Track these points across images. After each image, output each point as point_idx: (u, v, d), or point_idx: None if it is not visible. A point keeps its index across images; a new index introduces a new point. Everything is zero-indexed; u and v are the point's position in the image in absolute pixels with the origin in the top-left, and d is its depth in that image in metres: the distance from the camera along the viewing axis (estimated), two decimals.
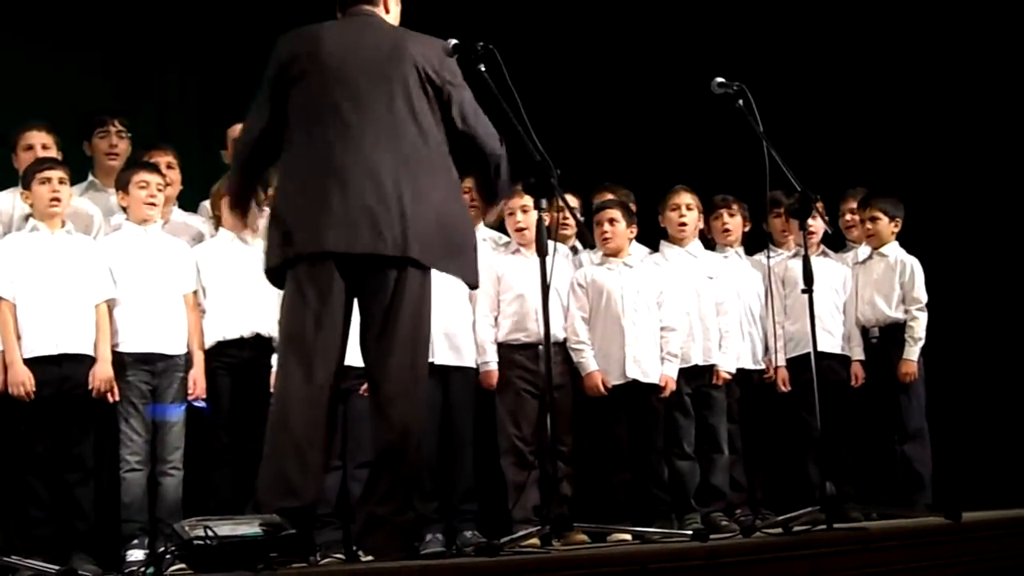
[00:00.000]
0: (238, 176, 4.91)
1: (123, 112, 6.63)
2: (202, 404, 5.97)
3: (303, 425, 4.48)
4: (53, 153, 6.08)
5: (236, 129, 6.60)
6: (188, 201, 6.67)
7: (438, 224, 4.67)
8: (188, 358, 5.95)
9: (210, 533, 3.97)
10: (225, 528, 4.05)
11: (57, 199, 5.78)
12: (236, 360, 5.99)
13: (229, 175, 5.23)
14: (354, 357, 4.83)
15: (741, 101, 5.40)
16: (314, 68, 4.62)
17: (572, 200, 6.32)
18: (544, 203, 4.68)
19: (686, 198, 6.84)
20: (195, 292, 6.03)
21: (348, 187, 4.52)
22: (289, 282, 4.60)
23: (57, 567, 3.64)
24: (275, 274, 4.67)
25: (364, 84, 4.62)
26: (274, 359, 5.85)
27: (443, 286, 6.25)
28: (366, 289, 4.62)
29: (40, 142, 6.14)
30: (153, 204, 5.98)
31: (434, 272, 6.24)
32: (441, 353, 6.11)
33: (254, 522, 4.15)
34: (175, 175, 6.47)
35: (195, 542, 3.98)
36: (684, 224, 6.81)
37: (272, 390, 4.70)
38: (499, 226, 6.73)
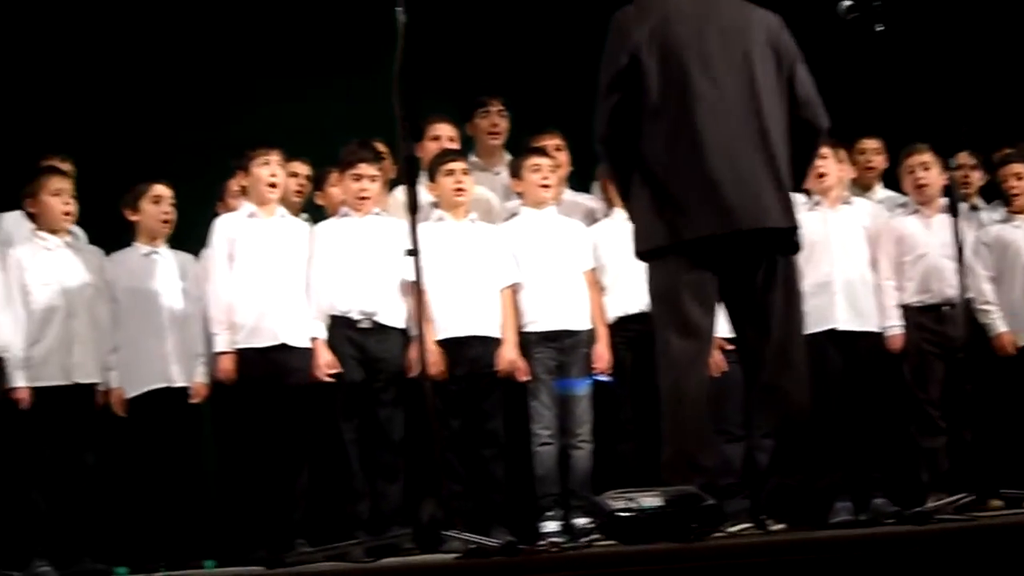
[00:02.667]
0: (608, 158, 4.80)
1: (503, 94, 6.80)
2: (607, 378, 6.11)
3: (698, 404, 4.46)
4: (457, 145, 6.34)
5: None
6: (578, 181, 6.81)
7: (792, 197, 4.57)
8: (591, 334, 6.10)
9: (634, 505, 4.04)
10: (647, 499, 4.11)
11: (461, 189, 6.04)
12: (637, 334, 6.08)
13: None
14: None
15: None
16: (668, 43, 4.47)
17: (969, 158, 6.16)
18: (953, 162, 4.55)
19: None
20: (594, 269, 6.16)
21: (725, 165, 4.40)
22: (668, 261, 4.50)
23: (497, 541, 3.77)
24: (653, 252, 4.58)
25: (722, 58, 4.48)
26: None
27: (847, 250, 6.18)
28: (740, 264, 4.50)
29: (447, 134, 6.42)
30: (547, 186, 6.16)
31: (835, 235, 6.17)
32: (844, 318, 6.07)
33: (668, 494, 4.19)
34: (564, 156, 6.60)
35: (618, 513, 4.05)
36: None
37: (662, 367, 4.61)
38: (895, 187, 6.57)
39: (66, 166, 6.27)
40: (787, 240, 4.52)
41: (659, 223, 4.46)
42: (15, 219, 6.16)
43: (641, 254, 4.58)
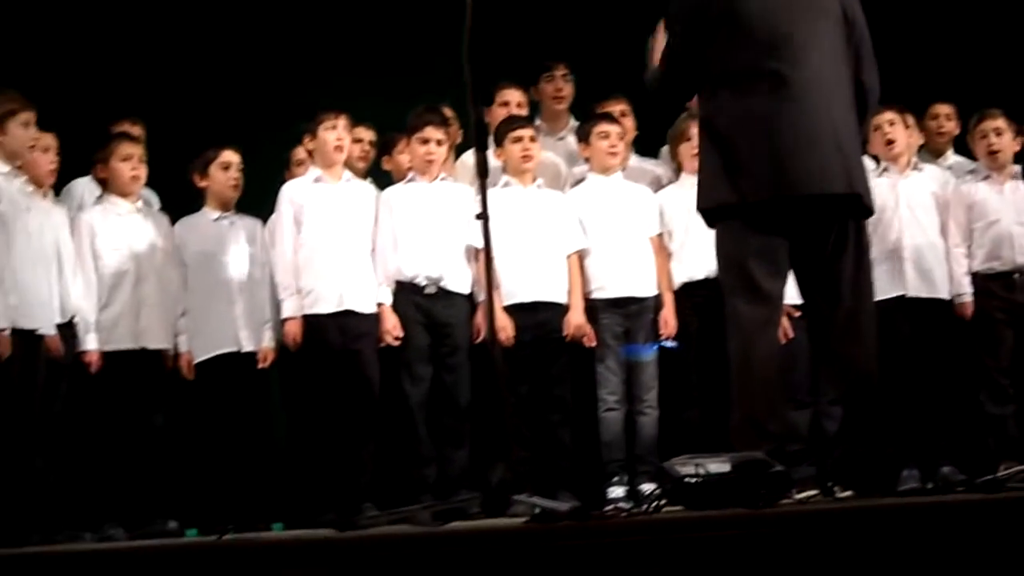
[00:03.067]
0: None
1: (567, 58, 6.77)
2: (672, 344, 6.10)
3: (767, 370, 4.43)
4: (525, 111, 6.34)
5: None
6: (645, 146, 6.78)
7: (859, 163, 4.52)
8: (657, 299, 6.11)
9: (702, 471, 4.03)
10: (714, 465, 4.10)
11: (528, 156, 6.06)
12: (703, 300, 6.07)
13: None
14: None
15: None
16: (737, 7, 4.41)
17: None
18: None
19: None
20: (660, 235, 6.16)
21: (789, 130, 4.35)
22: (735, 226, 4.47)
23: (565, 505, 3.78)
24: (711, 213, 4.56)
25: (790, 21, 4.42)
26: None
27: (916, 216, 6.13)
28: (808, 229, 4.45)
29: (515, 100, 6.43)
30: (615, 152, 6.15)
31: (904, 202, 6.09)
32: (913, 285, 6.03)
33: (736, 459, 4.18)
34: (630, 122, 6.58)
35: (686, 479, 4.05)
36: None
37: (731, 333, 4.57)
38: (967, 152, 6.50)
39: (136, 130, 6.32)
40: (856, 206, 4.47)
41: (723, 182, 4.44)
42: (85, 184, 6.23)
43: (704, 211, 4.56)
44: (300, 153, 6.31)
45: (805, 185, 4.35)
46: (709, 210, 4.54)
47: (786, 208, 4.38)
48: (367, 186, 6.24)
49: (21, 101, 5.50)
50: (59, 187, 6.10)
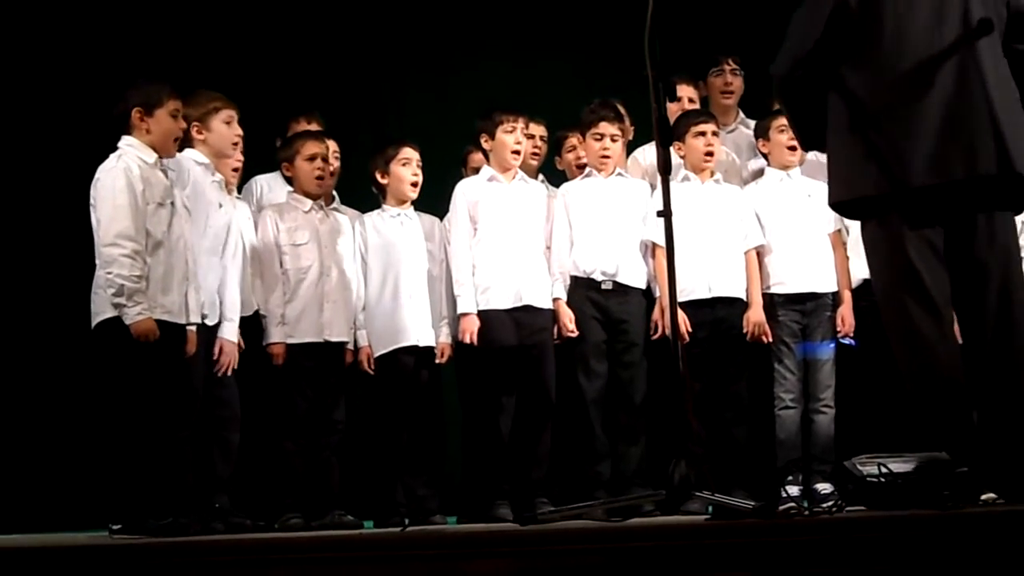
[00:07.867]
0: (785, 102, 4.62)
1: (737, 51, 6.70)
2: (850, 341, 6.03)
3: (950, 368, 4.19)
4: (697, 105, 6.35)
5: None
6: None
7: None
8: (835, 296, 6.05)
9: (884, 471, 3.97)
10: (897, 465, 4.03)
11: (711, 151, 6.07)
12: None
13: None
14: None
15: None
16: None
17: None
18: None
19: None
20: (838, 231, 6.10)
21: (935, 112, 4.09)
22: (892, 221, 4.18)
23: (748, 503, 3.76)
24: (848, 206, 4.32)
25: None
26: None
27: None
28: (958, 219, 4.17)
29: (688, 95, 6.38)
30: (794, 148, 6.09)
31: None
32: None
33: (919, 459, 4.10)
34: None
35: (868, 479, 4.00)
36: None
37: (899, 333, 4.29)
38: None
39: (313, 125, 6.44)
40: (1016, 191, 4.17)
41: (867, 171, 4.16)
42: (264, 181, 6.37)
43: (842, 203, 4.29)
44: (476, 159, 6.37)
45: (959, 169, 4.08)
46: (846, 203, 4.29)
47: (940, 195, 4.11)
48: (538, 184, 6.28)
49: (223, 99, 5.64)
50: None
